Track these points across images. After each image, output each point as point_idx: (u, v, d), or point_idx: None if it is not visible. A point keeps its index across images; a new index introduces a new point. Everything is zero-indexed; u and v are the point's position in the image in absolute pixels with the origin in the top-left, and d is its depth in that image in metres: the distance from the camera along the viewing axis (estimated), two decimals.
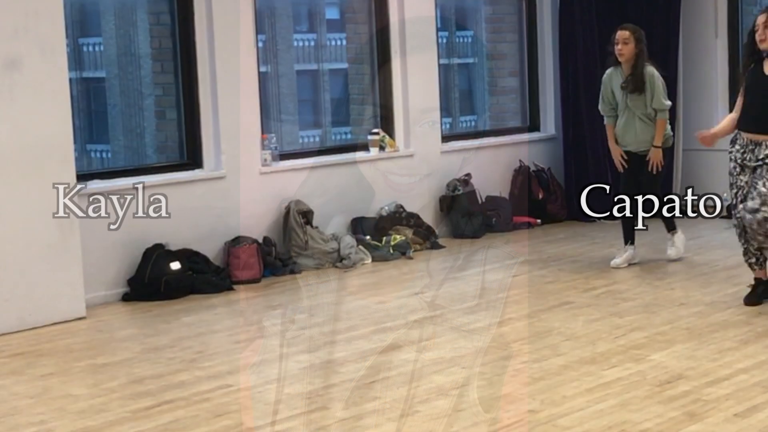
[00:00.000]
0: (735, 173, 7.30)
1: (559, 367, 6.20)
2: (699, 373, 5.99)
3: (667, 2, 11.36)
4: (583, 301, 7.84)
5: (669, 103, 8.87)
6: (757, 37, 7.20)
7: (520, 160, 11.21)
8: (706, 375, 5.94)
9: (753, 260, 7.40)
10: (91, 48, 10.71)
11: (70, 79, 7.86)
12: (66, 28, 7.83)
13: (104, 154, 10.59)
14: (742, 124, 7.31)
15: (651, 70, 8.81)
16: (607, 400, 5.58)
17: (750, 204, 7.12)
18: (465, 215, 10.52)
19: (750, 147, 7.21)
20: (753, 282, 7.54)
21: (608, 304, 7.73)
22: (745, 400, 5.51)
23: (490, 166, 11.06)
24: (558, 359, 6.36)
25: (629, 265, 8.96)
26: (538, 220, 11.08)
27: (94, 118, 10.53)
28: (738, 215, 7.26)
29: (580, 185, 11.35)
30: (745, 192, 7.23)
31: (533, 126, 11.80)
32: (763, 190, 7.06)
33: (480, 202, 10.72)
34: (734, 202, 7.35)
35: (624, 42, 8.80)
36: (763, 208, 7.05)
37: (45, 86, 7.63)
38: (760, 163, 7.15)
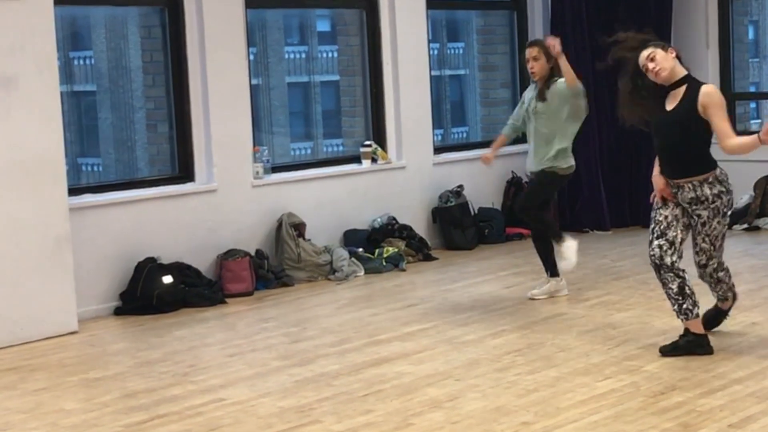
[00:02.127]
0: (656, 207, 6.55)
1: (552, 378, 6.19)
2: (693, 383, 5.98)
3: (658, 13, 11.39)
4: (576, 312, 7.83)
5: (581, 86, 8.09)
6: (651, 76, 6.37)
7: (513, 172, 11.21)
8: (700, 386, 5.93)
9: (675, 307, 6.52)
10: (81, 62, 10.71)
11: (61, 93, 7.85)
12: (57, 42, 7.83)
13: (95, 168, 10.58)
14: (660, 166, 6.54)
15: (562, 82, 8.05)
16: (601, 412, 5.57)
17: (696, 259, 6.58)
18: (458, 227, 10.52)
19: (673, 188, 6.47)
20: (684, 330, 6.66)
21: (601, 315, 7.72)
22: (739, 410, 5.50)
23: (483, 177, 11.05)
24: (552, 371, 6.35)
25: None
26: None
27: (85, 132, 10.53)
28: (652, 253, 6.46)
29: (573, 196, 11.38)
30: (662, 228, 6.44)
31: (525, 137, 11.78)
32: (705, 246, 6.51)
33: (472, 213, 10.72)
34: (650, 237, 6.50)
35: (534, 59, 8.10)
36: (710, 262, 6.61)
37: (38, 102, 7.63)
38: (687, 205, 6.43)
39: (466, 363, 6.60)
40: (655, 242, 6.45)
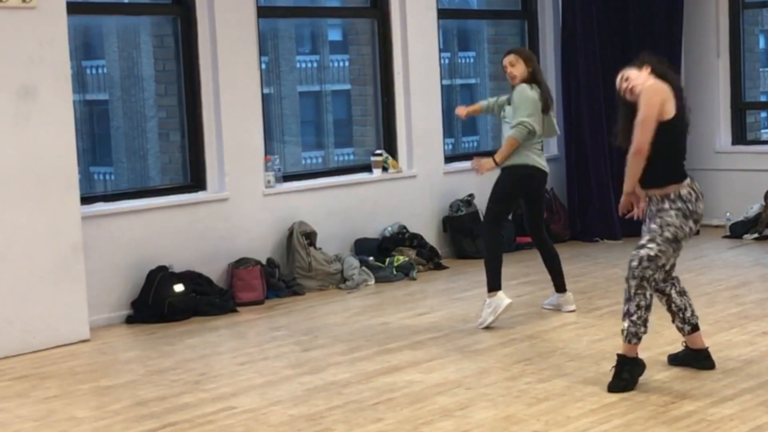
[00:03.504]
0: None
1: (563, 387, 6.20)
2: (703, 393, 5.98)
3: (669, 23, 11.40)
4: (586, 321, 7.83)
5: (526, 121, 7.74)
6: (628, 96, 6.14)
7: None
8: (710, 395, 5.93)
9: (683, 326, 6.42)
10: (94, 70, 10.74)
11: (74, 102, 7.89)
12: (70, 52, 7.86)
13: (107, 177, 10.61)
14: None
15: (521, 87, 7.82)
16: (611, 421, 5.57)
17: (639, 241, 6.13)
18: (468, 236, 10.53)
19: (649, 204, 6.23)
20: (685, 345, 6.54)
21: (612, 324, 7.71)
22: (749, 420, 5.50)
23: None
24: (562, 380, 6.35)
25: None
26: None
27: (98, 141, 10.55)
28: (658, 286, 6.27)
29: (583, 205, 11.38)
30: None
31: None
32: (654, 226, 6.07)
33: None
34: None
35: (511, 64, 7.88)
36: (649, 245, 6.05)
37: (53, 112, 7.66)
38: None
39: (477, 372, 6.61)
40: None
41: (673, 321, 6.44)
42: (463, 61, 13.04)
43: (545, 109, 7.89)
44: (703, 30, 11.64)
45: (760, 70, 14.69)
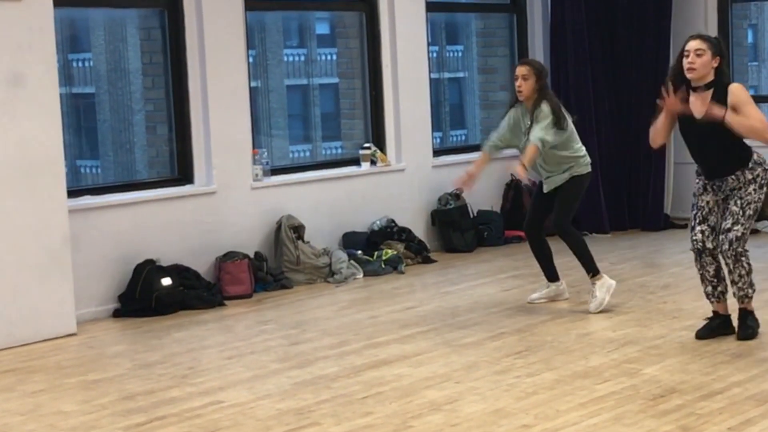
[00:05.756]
0: (698, 193, 6.78)
1: (552, 381, 6.19)
2: (692, 386, 5.97)
3: (657, 14, 11.39)
4: (575, 315, 7.83)
5: (547, 138, 7.76)
6: (685, 64, 6.56)
7: (512, 174, 11.20)
8: (699, 389, 5.93)
9: (709, 289, 6.88)
10: (80, 64, 10.71)
11: (60, 95, 7.83)
12: (56, 44, 7.80)
13: (94, 170, 10.57)
14: (699, 170, 6.79)
15: (544, 107, 7.81)
16: (600, 415, 5.56)
17: (723, 224, 6.64)
18: (457, 229, 10.52)
19: (716, 183, 6.72)
20: (710, 315, 7.04)
21: (601, 318, 7.72)
22: (738, 413, 5.50)
23: (482, 180, 10.99)
24: (551, 373, 6.34)
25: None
26: None
27: (84, 134, 10.52)
28: (694, 238, 6.78)
29: None
30: (704, 213, 6.73)
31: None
32: (735, 208, 6.61)
33: (471, 216, 10.71)
34: (692, 224, 6.80)
35: (523, 78, 7.82)
36: (735, 228, 6.60)
37: (41, 103, 7.61)
38: (730, 192, 6.67)
39: (466, 365, 6.60)
40: (698, 228, 6.77)
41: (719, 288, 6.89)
42: (452, 54, 13.03)
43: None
44: (692, 23, 11.61)
45: (749, 64, 14.73)
